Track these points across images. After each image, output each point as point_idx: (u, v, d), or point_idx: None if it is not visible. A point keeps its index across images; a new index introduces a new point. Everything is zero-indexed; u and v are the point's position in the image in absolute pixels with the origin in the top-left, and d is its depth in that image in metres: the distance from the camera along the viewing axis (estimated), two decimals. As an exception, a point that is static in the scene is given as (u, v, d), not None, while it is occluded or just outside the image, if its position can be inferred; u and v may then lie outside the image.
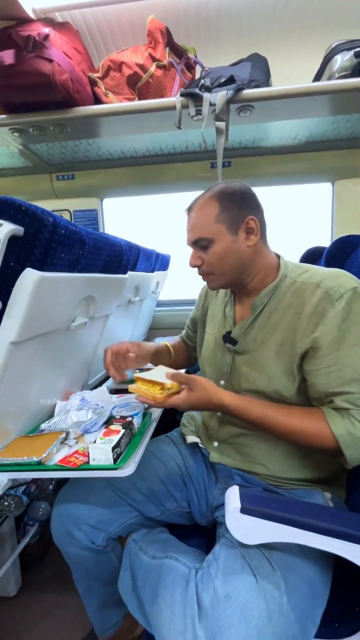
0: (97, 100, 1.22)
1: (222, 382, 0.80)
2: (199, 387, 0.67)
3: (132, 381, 0.74)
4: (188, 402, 0.67)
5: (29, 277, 0.53)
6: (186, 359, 1.08)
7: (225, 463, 0.78)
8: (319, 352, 0.63)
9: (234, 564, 0.57)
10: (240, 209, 0.71)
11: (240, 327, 0.76)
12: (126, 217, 1.96)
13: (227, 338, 0.77)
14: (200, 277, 0.79)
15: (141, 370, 1.25)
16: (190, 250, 0.77)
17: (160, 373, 0.73)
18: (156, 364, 0.86)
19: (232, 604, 0.52)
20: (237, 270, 0.73)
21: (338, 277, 0.66)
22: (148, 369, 0.83)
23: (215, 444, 0.81)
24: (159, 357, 0.96)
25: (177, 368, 0.95)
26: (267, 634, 0.50)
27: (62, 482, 1.13)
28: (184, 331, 1.09)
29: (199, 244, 0.73)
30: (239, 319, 0.80)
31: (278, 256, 0.78)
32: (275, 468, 0.73)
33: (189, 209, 0.76)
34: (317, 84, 1.11)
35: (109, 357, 0.82)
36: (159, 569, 0.63)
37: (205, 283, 0.99)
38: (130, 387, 0.72)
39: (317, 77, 1.19)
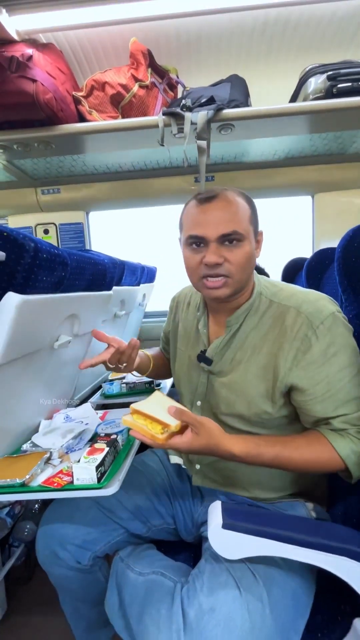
0: (82, 118, 1.24)
1: (198, 403, 0.78)
2: (206, 432, 0.61)
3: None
4: (191, 447, 0.61)
5: (11, 301, 0.53)
6: (167, 371, 0.99)
7: (207, 486, 0.78)
8: (310, 382, 0.63)
9: (218, 577, 0.58)
10: (257, 220, 0.70)
11: (215, 346, 0.73)
12: (113, 229, 1.98)
13: (202, 357, 0.74)
14: (206, 281, 0.67)
15: (130, 389, 1.20)
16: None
17: (159, 403, 0.66)
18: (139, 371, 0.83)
19: (215, 616, 0.53)
20: (247, 278, 0.69)
21: (316, 302, 0.65)
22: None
23: (198, 466, 0.80)
24: (139, 366, 0.87)
25: (157, 377, 0.94)
26: None
27: (48, 501, 1.11)
28: (162, 343, 1.04)
29: (232, 237, 0.64)
30: (213, 337, 0.77)
31: None
32: (257, 491, 0.73)
33: (214, 197, 0.65)
34: (293, 105, 1.16)
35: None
36: (145, 586, 0.63)
37: (173, 297, 0.94)
38: (125, 419, 0.65)
39: (294, 98, 1.24)
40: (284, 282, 0.75)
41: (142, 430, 0.62)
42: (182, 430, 0.62)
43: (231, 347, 0.72)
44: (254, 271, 0.76)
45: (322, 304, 0.65)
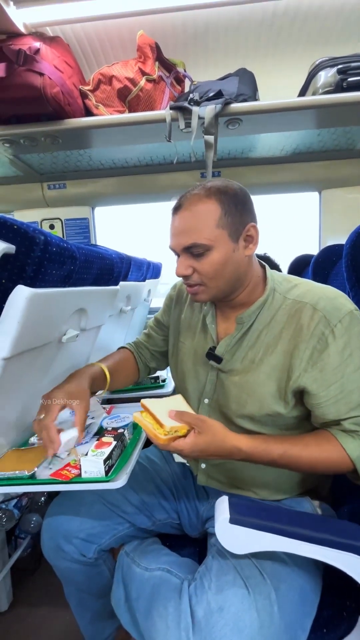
0: (88, 112, 1.23)
1: (206, 401, 0.75)
2: (208, 429, 0.60)
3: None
4: (195, 448, 0.59)
5: (21, 294, 0.53)
6: (133, 372, 0.91)
7: (212, 487, 0.77)
8: (324, 384, 0.61)
9: (226, 576, 0.58)
10: (242, 214, 0.64)
11: (225, 343, 0.70)
12: (118, 225, 1.98)
13: (211, 355, 0.71)
14: (186, 287, 0.69)
15: (137, 384, 1.13)
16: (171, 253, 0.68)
17: (170, 406, 0.64)
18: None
19: (224, 615, 0.53)
20: (231, 282, 0.66)
21: (335, 299, 0.63)
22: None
23: (203, 465, 0.77)
24: (95, 386, 0.77)
25: (120, 386, 0.86)
26: None
27: (53, 494, 1.12)
28: (139, 337, 0.96)
29: (193, 250, 0.63)
30: (222, 334, 0.74)
31: (262, 266, 0.73)
32: (264, 493, 0.72)
33: (179, 208, 0.65)
34: (302, 99, 1.15)
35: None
36: (151, 582, 0.63)
37: (175, 285, 0.89)
38: (135, 415, 0.65)
39: (302, 92, 1.23)
40: (298, 278, 0.71)
41: (147, 428, 0.62)
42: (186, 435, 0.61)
43: (243, 345, 0.69)
44: (266, 266, 0.73)
45: (340, 301, 0.63)
